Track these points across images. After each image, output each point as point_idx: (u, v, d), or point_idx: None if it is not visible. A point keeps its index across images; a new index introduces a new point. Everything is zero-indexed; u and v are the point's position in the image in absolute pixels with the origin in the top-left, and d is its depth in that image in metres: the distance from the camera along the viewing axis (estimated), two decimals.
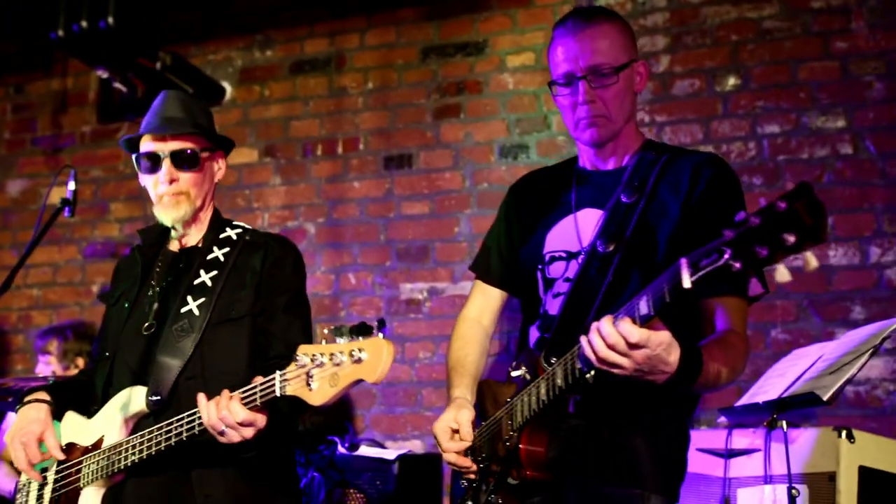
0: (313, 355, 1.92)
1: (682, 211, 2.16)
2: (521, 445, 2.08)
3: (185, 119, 2.54)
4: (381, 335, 1.84)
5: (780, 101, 4.06)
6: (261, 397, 2.06)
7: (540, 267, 2.32)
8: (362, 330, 1.87)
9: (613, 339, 1.76)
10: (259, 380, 2.10)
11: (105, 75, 4.72)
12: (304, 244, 4.69)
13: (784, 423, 2.81)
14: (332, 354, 1.88)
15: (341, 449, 3.73)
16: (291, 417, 2.36)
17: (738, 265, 1.50)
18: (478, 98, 4.54)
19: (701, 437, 3.19)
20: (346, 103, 4.78)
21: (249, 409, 2.10)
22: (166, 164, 2.50)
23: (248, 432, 2.12)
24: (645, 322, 1.74)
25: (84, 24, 4.25)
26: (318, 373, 1.91)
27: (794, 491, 2.73)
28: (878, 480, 2.84)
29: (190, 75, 4.81)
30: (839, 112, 3.97)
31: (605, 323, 1.79)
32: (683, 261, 1.60)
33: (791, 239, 1.44)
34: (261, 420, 2.13)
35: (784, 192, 1.47)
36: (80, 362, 4.27)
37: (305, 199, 4.77)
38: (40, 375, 4.24)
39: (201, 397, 2.16)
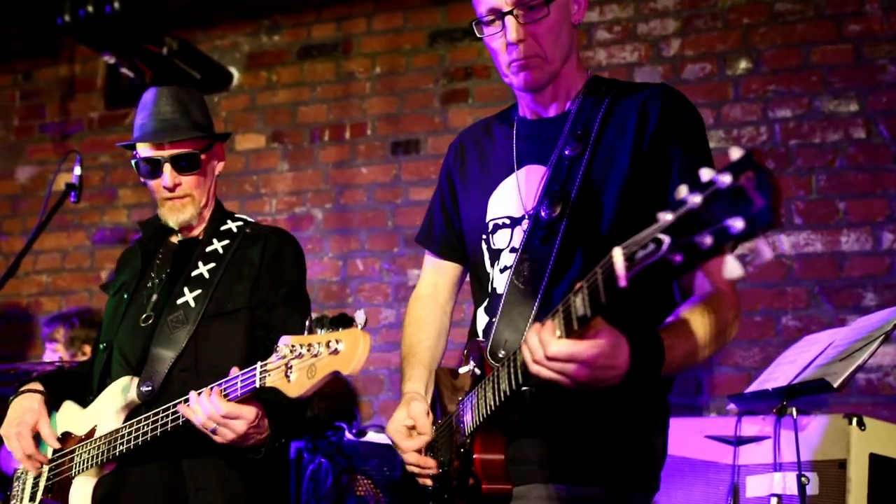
0: (293, 346, 1.90)
1: (632, 160, 1.89)
2: (475, 455, 1.85)
3: (181, 120, 2.49)
4: (359, 327, 1.81)
5: (792, 85, 4.01)
6: (241, 389, 2.03)
7: (484, 237, 2.07)
8: (342, 321, 1.89)
9: (539, 354, 1.56)
10: (235, 371, 2.08)
11: (112, 61, 4.71)
12: (312, 230, 4.68)
13: (794, 410, 2.78)
14: (310, 345, 1.86)
15: (349, 435, 3.72)
16: (293, 410, 2.31)
17: (678, 258, 1.24)
18: (486, 83, 4.50)
19: (710, 425, 3.17)
20: (353, 88, 4.76)
21: (235, 401, 2.06)
22: (167, 170, 2.47)
23: (240, 426, 2.09)
24: (584, 325, 1.50)
25: (90, 9, 4.23)
26: (296, 364, 1.89)
27: (803, 478, 2.70)
28: (888, 468, 2.81)
29: (197, 61, 4.79)
30: (852, 96, 3.92)
31: (531, 335, 1.58)
32: (617, 250, 1.36)
33: (738, 225, 1.17)
34: (248, 412, 2.09)
35: (728, 163, 1.20)
36: (87, 349, 4.27)
37: (313, 184, 4.75)
38: (47, 362, 4.26)
39: (192, 396, 2.13)
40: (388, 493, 3.58)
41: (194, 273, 2.49)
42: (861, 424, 2.77)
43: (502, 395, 1.76)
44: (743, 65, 4.10)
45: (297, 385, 1.89)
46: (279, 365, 1.93)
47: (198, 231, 2.59)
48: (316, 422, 3.79)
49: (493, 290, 2.03)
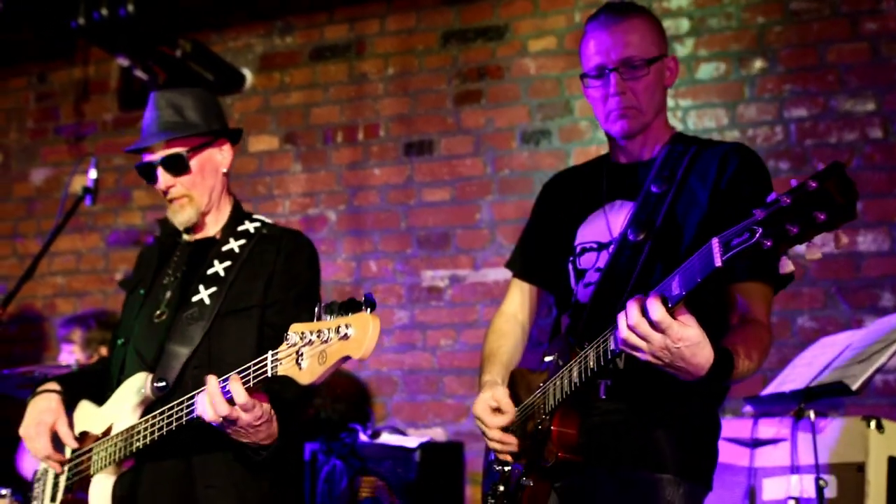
0: (302, 333, 1.89)
1: (711, 199, 2.18)
2: (552, 427, 2.10)
3: (171, 122, 2.50)
4: (368, 311, 1.81)
5: (807, 85, 3.98)
6: (254, 378, 2.03)
7: (571, 259, 2.35)
8: (351, 306, 1.84)
9: (635, 318, 1.77)
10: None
11: (126, 63, 4.73)
12: (325, 231, 4.68)
13: (812, 412, 2.76)
14: (320, 331, 1.85)
15: (363, 437, 3.73)
16: (296, 407, 2.34)
17: (768, 243, 1.50)
18: (499, 83, 4.50)
19: (726, 426, 3.13)
20: (366, 89, 4.76)
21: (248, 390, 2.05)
22: (160, 173, 2.50)
23: (245, 417, 2.07)
24: (676, 303, 1.72)
25: (104, 12, 4.25)
26: (307, 351, 1.88)
27: (821, 482, 2.69)
28: None
29: (210, 62, 4.80)
30: (868, 95, 3.89)
31: (633, 301, 1.80)
32: (715, 240, 1.61)
33: (822, 216, 1.44)
34: (257, 408, 2.08)
35: (815, 172, 1.48)
36: (104, 351, 4.29)
37: (326, 186, 4.76)
38: (63, 364, 4.28)
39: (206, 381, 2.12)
40: (402, 495, 3.58)
41: (210, 271, 2.51)
42: (880, 427, 2.76)
43: (588, 371, 2.00)
44: (758, 64, 4.08)
45: (308, 372, 1.88)
46: (290, 353, 1.92)
47: (215, 230, 2.61)
48: (330, 423, 3.80)
49: (577, 300, 2.30)
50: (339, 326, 1.82)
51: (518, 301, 2.59)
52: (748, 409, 3.14)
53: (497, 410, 2.29)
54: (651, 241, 2.17)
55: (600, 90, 2.27)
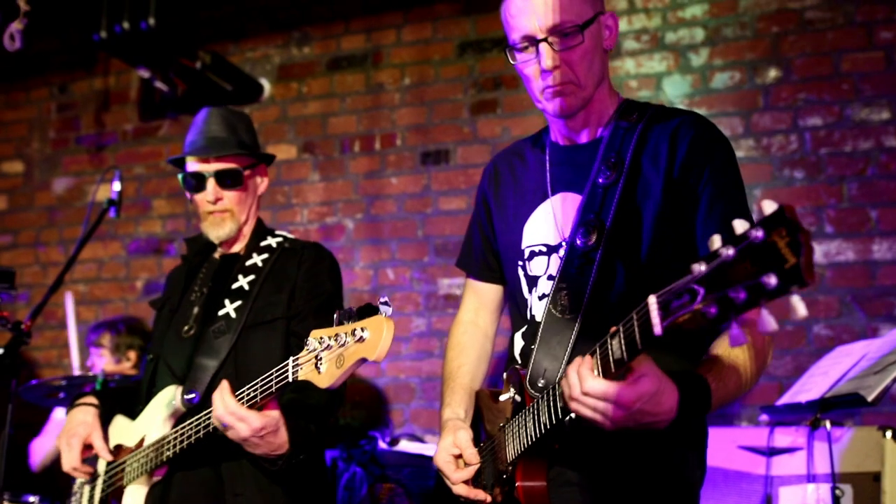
0: (321, 338, 1.95)
1: (665, 188, 1.90)
2: (517, 483, 1.87)
3: (229, 138, 2.61)
4: (383, 314, 1.85)
5: (822, 94, 4.00)
6: (276, 384, 2.08)
7: (520, 263, 2.09)
8: (366, 310, 1.88)
9: (576, 391, 1.59)
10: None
11: (147, 75, 4.80)
12: (343, 240, 4.73)
13: (828, 422, 2.79)
14: (337, 336, 1.90)
15: (382, 444, 3.77)
16: (323, 413, 2.37)
17: (713, 310, 1.27)
18: (515, 93, 4.53)
19: (742, 435, 3.18)
20: (383, 99, 4.81)
21: (264, 399, 2.11)
22: (211, 184, 2.59)
23: (243, 429, 2.12)
24: (620, 367, 1.53)
25: (126, 25, 4.31)
26: (325, 355, 1.93)
27: (838, 491, 2.71)
28: None
29: (229, 73, 4.86)
30: (883, 104, 3.91)
31: (572, 371, 1.61)
32: (652, 299, 1.39)
33: (771, 282, 1.19)
34: (253, 419, 2.12)
35: (762, 217, 1.22)
36: (132, 355, 4.36)
37: (343, 195, 4.81)
38: (90, 371, 4.35)
39: (215, 395, 2.18)
40: (422, 503, 3.62)
41: (235, 286, 2.58)
42: None
43: (542, 427, 1.79)
44: (772, 73, 4.10)
45: (327, 376, 1.93)
46: (309, 358, 1.98)
47: (239, 247, 2.69)
48: (349, 430, 3.84)
49: (532, 317, 2.05)
50: (354, 330, 1.86)
51: (474, 305, 2.31)
52: (764, 417, 3.16)
53: (459, 458, 2.04)
54: (603, 247, 1.91)
55: (530, 64, 1.94)
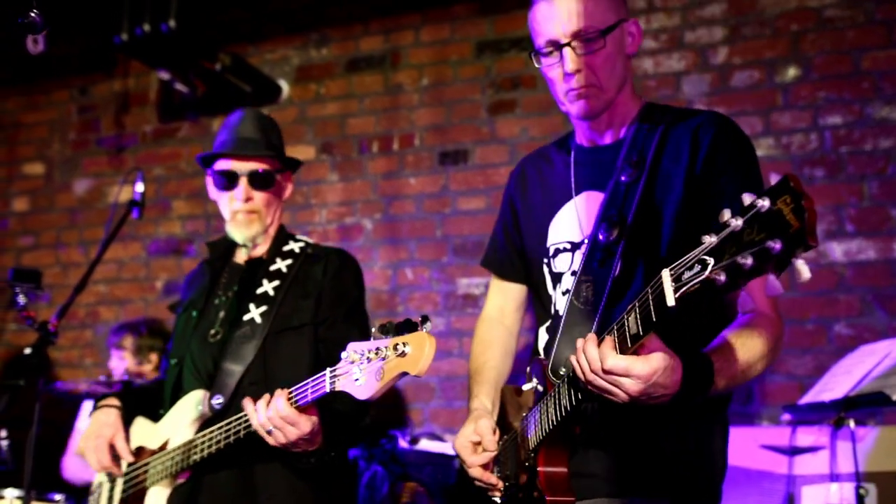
0: (361, 351, 1.98)
1: (686, 184, 1.96)
2: (539, 468, 1.93)
3: (262, 140, 2.63)
4: (424, 330, 1.89)
5: (842, 92, 3.99)
6: (311, 393, 2.11)
7: (546, 261, 2.16)
8: (407, 326, 1.92)
9: (596, 365, 1.64)
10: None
11: (167, 77, 4.84)
12: (362, 240, 4.76)
13: (852, 421, 2.78)
14: (377, 349, 1.94)
15: (403, 443, 3.78)
16: (351, 419, 2.40)
17: (722, 278, 1.33)
18: (533, 93, 4.54)
19: (764, 434, 3.18)
20: (401, 100, 4.82)
21: (299, 407, 2.14)
22: (243, 183, 2.60)
23: (292, 433, 2.16)
24: (637, 342, 1.58)
25: (147, 27, 4.35)
26: (364, 367, 1.97)
27: (862, 490, 2.71)
28: None
29: (248, 75, 4.90)
30: None
31: (590, 345, 1.67)
32: (665, 272, 1.45)
33: (776, 246, 1.25)
34: (304, 423, 2.15)
35: (768, 187, 1.29)
36: (154, 357, 4.39)
37: (362, 195, 4.83)
38: (111, 372, 4.39)
39: (247, 402, 2.21)
40: (442, 501, 3.63)
41: (259, 291, 2.59)
42: None
43: (563, 410, 1.84)
44: (792, 72, 4.09)
45: (366, 388, 1.96)
46: (348, 369, 2.01)
47: (262, 251, 2.70)
48: (370, 429, 3.85)
49: (556, 311, 2.11)
50: (396, 344, 1.90)
51: (500, 303, 2.38)
52: (786, 416, 3.16)
53: (478, 445, 2.10)
54: (624, 241, 1.96)
55: (554, 68, 2.03)
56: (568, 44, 1.99)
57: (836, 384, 2.96)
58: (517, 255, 2.32)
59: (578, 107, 2.04)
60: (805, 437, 3.01)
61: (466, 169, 4.63)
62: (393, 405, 4.51)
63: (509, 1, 4.63)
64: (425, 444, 3.83)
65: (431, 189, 4.68)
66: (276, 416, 2.15)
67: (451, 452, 3.75)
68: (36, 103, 5.75)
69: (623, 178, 2.04)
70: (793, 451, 3.02)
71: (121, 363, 4.37)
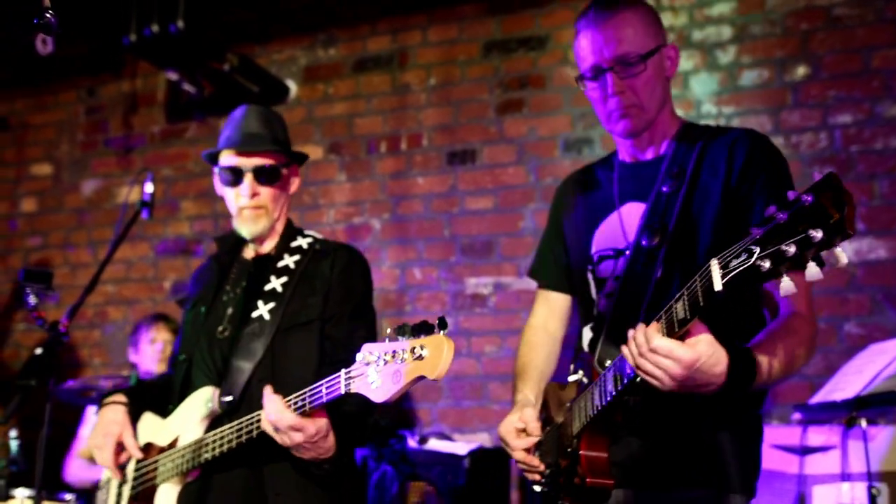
0: (376, 353, 1.96)
1: (723, 194, 2.11)
2: (581, 452, 2.04)
3: (267, 135, 2.61)
4: (441, 333, 1.87)
5: (852, 91, 3.98)
6: (326, 395, 2.10)
7: (590, 267, 2.30)
8: (424, 328, 1.90)
9: (644, 348, 1.74)
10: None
11: (175, 77, 4.84)
12: (370, 240, 4.76)
13: (864, 421, 2.78)
14: (394, 352, 1.92)
15: (412, 442, 3.78)
16: (359, 419, 2.40)
17: (766, 265, 1.46)
18: (541, 92, 4.54)
19: (775, 434, 3.17)
20: (409, 100, 4.82)
21: (312, 408, 2.14)
22: (248, 179, 2.58)
23: (297, 437, 2.17)
24: (684, 326, 1.69)
25: (155, 28, 4.36)
26: (381, 370, 1.95)
27: (874, 490, 2.70)
28: None
29: (256, 75, 4.90)
30: None
31: (639, 332, 1.77)
32: (714, 261, 1.57)
33: (818, 235, 1.39)
34: (309, 427, 2.16)
35: (811, 184, 1.42)
36: None
37: (370, 195, 4.83)
38: (134, 368, 4.44)
39: (268, 391, 2.21)
40: (451, 501, 3.63)
41: (267, 287, 2.58)
42: None
43: (608, 395, 1.94)
44: (801, 71, 4.08)
45: (382, 390, 1.94)
46: (363, 371, 1.99)
47: (269, 247, 2.69)
48: (378, 429, 3.86)
49: (599, 312, 2.24)
50: (413, 347, 1.88)
51: (545, 312, 2.52)
52: (797, 416, 3.15)
53: (523, 432, 2.24)
54: (666, 246, 2.11)
55: (598, 91, 2.20)
56: (611, 68, 2.16)
57: (847, 383, 2.95)
58: (561, 266, 2.46)
59: (622, 126, 2.20)
60: (816, 436, 3.01)
61: (474, 169, 4.63)
62: (401, 405, 4.51)
63: (517, 1, 4.63)
64: (434, 444, 3.83)
65: (439, 189, 4.68)
66: (279, 421, 2.18)
67: (461, 452, 3.75)
68: (44, 104, 5.77)
69: (664, 189, 2.19)
70: (804, 451, 3.01)
71: (157, 355, 4.40)
